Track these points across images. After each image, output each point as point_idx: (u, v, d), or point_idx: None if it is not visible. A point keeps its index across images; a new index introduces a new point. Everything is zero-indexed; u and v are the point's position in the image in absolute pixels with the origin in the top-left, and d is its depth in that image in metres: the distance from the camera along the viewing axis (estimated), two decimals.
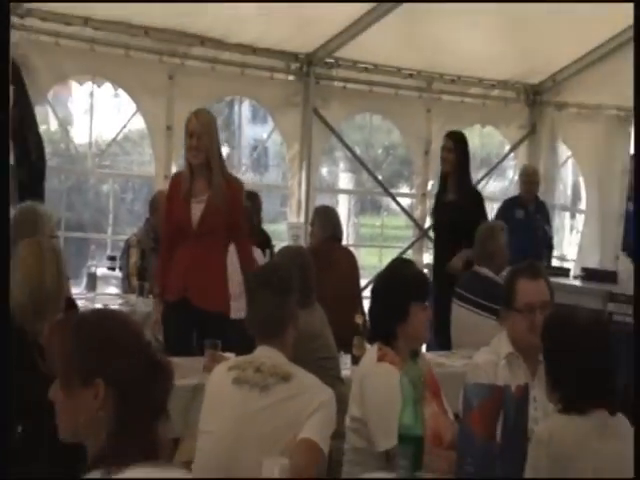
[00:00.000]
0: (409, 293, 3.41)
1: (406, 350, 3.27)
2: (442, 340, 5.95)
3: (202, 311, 5.10)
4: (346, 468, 3.40)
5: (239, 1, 6.94)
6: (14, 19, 6.59)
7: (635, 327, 3.20)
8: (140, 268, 6.45)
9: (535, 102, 9.67)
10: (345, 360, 4.89)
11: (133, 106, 7.71)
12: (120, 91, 7.63)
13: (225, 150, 11.99)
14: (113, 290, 6.74)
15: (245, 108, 10.23)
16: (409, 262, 4.07)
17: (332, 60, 8.29)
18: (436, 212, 7.13)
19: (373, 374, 3.38)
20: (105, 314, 2.24)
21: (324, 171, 9.84)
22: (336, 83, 8.41)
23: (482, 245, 5.75)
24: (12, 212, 5.48)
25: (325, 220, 6.54)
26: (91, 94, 7.79)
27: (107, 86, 7.60)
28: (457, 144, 6.85)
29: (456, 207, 6.72)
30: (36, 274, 3.47)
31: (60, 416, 2.02)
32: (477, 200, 6.86)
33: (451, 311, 5.73)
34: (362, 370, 3.50)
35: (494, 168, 9.99)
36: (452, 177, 6.86)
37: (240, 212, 5.29)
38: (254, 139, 12.87)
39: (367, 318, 3.69)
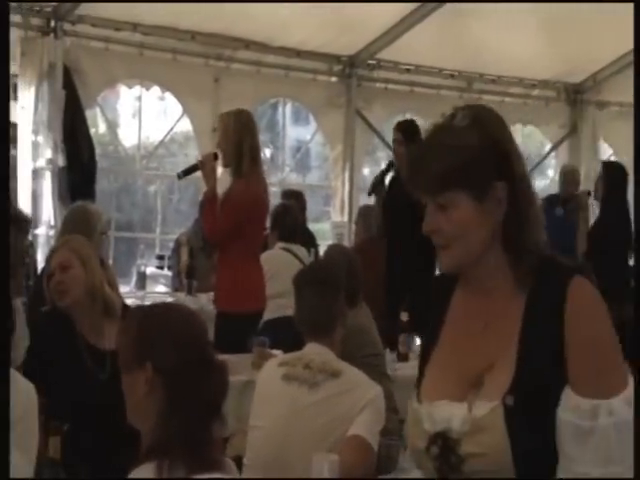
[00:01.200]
0: None
1: None
2: None
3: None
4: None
5: (283, 1, 7.04)
6: (66, 26, 6.77)
7: (635, 327, 3.24)
8: (189, 267, 6.57)
9: (576, 101, 9.67)
10: (391, 357, 4.97)
11: (179, 109, 7.85)
12: (167, 94, 7.78)
13: (268, 151, 12.12)
14: (162, 288, 6.88)
15: (288, 110, 10.32)
16: None
17: (374, 62, 8.39)
18: (391, 202, 6.31)
19: None
20: (172, 306, 2.33)
21: (366, 171, 9.90)
22: (378, 84, 8.51)
23: None
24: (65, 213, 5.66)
25: (369, 219, 6.62)
26: (139, 97, 7.96)
27: (154, 89, 7.76)
28: (406, 135, 6.20)
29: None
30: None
31: (125, 397, 2.10)
32: None
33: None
34: None
35: (535, 167, 10.00)
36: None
37: (225, 209, 5.17)
38: (297, 140, 12.98)
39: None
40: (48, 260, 3.68)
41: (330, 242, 7.55)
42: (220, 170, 5.45)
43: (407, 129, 6.25)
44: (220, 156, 5.24)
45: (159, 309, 2.20)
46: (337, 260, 4.40)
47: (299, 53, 7.93)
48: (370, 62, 8.37)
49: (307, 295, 3.39)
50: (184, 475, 1.91)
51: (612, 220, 7.05)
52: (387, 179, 6.46)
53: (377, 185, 6.39)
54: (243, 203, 5.13)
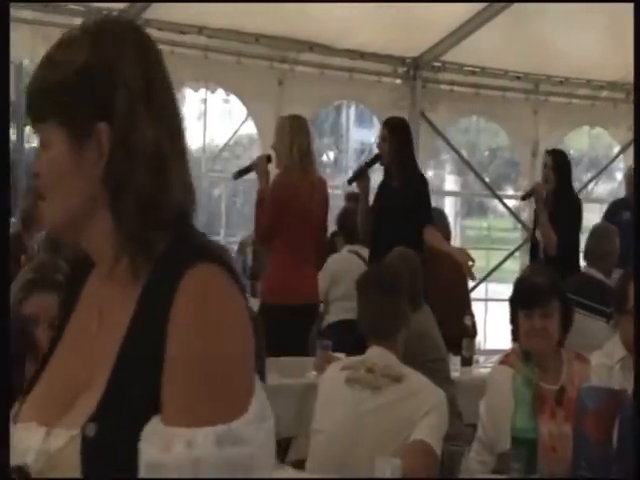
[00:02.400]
0: (515, 299, 3.44)
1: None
2: None
3: None
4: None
5: (347, 1, 7.02)
6: None
7: (635, 332, 3.15)
8: (253, 268, 6.61)
9: None
10: (454, 361, 4.93)
11: (244, 111, 7.90)
12: (231, 97, 7.84)
13: (332, 154, 12.14)
14: None
15: (351, 112, 10.32)
16: (537, 267, 4.04)
17: (439, 64, 8.34)
18: (379, 201, 6.06)
19: (490, 375, 3.43)
20: None
21: (430, 173, 9.85)
22: (443, 86, 8.45)
23: (597, 243, 5.65)
24: None
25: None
26: (203, 100, 8.02)
27: (219, 92, 7.82)
28: (392, 133, 5.93)
29: (399, 194, 5.87)
30: None
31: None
32: (420, 187, 6.01)
33: None
34: None
35: (603, 170, 9.84)
36: (393, 166, 5.95)
37: (265, 205, 5.43)
38: (361, 142, 12.99)
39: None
40: None
41: None
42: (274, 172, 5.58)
43: (395, 126, 5.99)
44: (273, 158, 5.41)
45: None
46: (400, 263, 4.38)
47: (363, 55, 7.91)
48: (435, 64, 8.32)
49: (370, 298, 3.39)
50: None
51: None
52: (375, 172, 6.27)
53: (359, 175, 6.05)
54: (278, 198, 5.35)
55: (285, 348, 4.74)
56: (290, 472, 2.32)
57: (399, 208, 5.72)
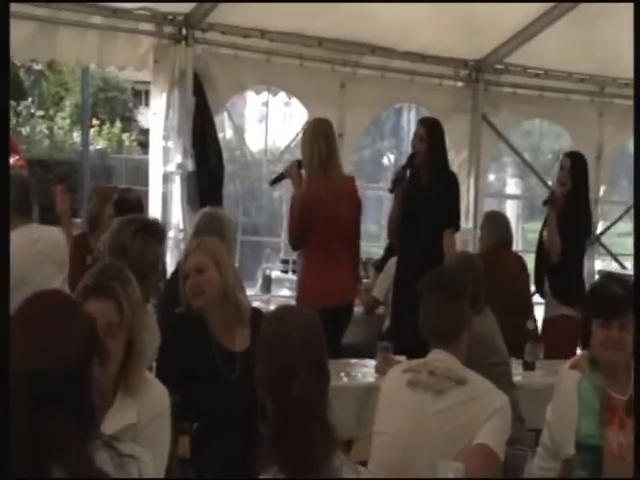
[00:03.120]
0: (590, 308, 3.39)
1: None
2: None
3: None
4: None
5: (409, 1, 7.00)
6: (197, 33, 6.94)
7: (635, 332, 3.08)
8: None
9: None
10: (516, 366, 4.89)
11: (305, 114, 7.93)
12: (292, 100, 7.87)
13: (392, 156, 12.11)
14: (286, 292, 6.95)
15: (412, 114, 10.30)
16: (615, 276, 3.98)
17: (502, 66, 8.28)
18: (408, 199, 5.95)
19: (558, 380, 3.39)
20: None
21: (491, 177, 9.78)
22: (505, 89, 8.39)
23: None
24: (195, 216, 5.79)
25: (494, 225, 6.54)
26: (265, 103, 8.07)
27: (281, 95, 7.86)
28: (430, 133, 5.96)
29: (427, 193, 5.82)
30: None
31: None
32: (452, 185, 6.00)
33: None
34: None
35: None
36: (426, 165, 5.91)
37: (290, 214, 5.63)
38: None
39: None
40: (183, 262, 3.77)
41: None
42: None
43: (433, 127, 6.01)
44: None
45: None
46: (461, 266, 4.37)
47: (425, 58, 7.89)
48: (498, 66, 8.26)
49: (432, 301, 3.37)
50: None
51: None
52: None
53: (399, 181, 6.00)
54: (302, 206, 5.49)
55: None
56: (364, 472, 2.32)
57: (426, 208, 5.74)
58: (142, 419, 2.68)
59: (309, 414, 2.18)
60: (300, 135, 8.34)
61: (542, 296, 6.40)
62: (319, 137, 5.55)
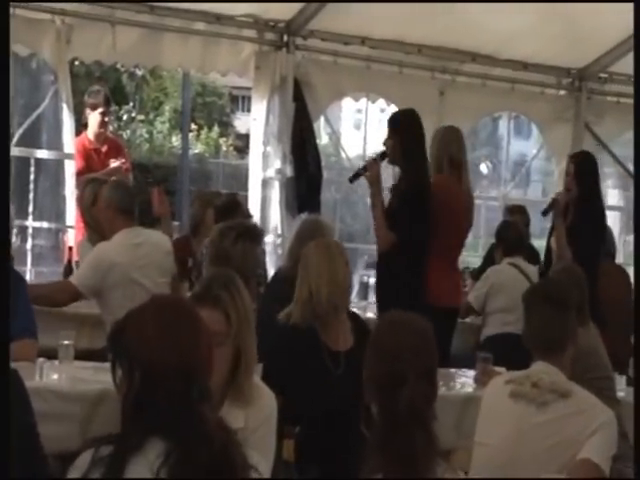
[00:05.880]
0: None
1: None
2: None
3: None
4: None
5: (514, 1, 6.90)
6: (297, 40, 6.99)
7: (635, 332, 2.94)
8: None
9: None
10: (620, 381, 4.79)
11: None
12: (389, 106, 7.85)
13: (487, 165, 11.98)
14: None
15: (511, 124, 10.17)
16: None
17: (605, 75, 8.13)
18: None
19: None
20: None
21: None
22: (609, 98, 8.24)
23: None
24: (293, 222, 5.82)
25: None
26: (361, 110, 8.05)
27: (379, 102, 7.85)
28: (395, 130, 5.36)
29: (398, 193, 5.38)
30: (332, 273, 3.65)
31: None
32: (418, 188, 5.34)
33: None
34: None
35: None
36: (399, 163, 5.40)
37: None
38: (519, 154, 12.78)
39: None
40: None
41: None
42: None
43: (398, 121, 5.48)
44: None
45: None
46: (567, 277, 4.31)
47: (526, 66, 7.81)
48: (602, 75, 8.12)
49: (539, 312, 3.33)
50: None
51: None
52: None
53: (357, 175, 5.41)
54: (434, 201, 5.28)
55: None
56: (462, 475, 2.31)
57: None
58: (250, 424, 2.71)
59: (416, 422, 2.17)
60: None
61: None
62: (451, 143, 5.53)
